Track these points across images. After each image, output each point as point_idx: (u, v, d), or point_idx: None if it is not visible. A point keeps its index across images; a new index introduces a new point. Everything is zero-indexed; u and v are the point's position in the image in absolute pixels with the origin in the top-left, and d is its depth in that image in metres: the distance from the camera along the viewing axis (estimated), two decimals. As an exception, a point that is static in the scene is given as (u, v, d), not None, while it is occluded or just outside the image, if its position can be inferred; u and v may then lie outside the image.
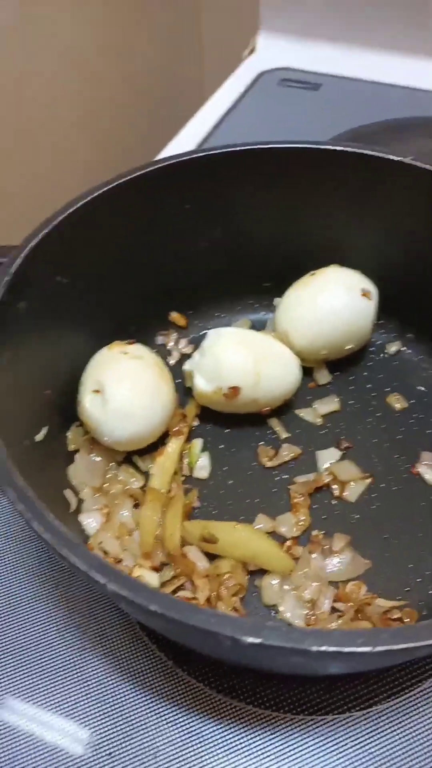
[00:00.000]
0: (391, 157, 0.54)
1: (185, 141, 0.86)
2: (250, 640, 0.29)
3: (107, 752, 0.42)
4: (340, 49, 0.96)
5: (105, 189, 0.49)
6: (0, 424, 0.38)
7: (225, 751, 0.42)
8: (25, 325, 0.45)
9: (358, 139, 0.86)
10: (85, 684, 0.45)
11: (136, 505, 0.51)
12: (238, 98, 0.92)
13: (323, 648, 0.28)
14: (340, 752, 0.42)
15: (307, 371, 0.59)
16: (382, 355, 0.61)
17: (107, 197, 0.49)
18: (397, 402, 0.58)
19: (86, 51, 0.91)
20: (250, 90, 0.93)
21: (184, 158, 0.52)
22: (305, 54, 0.97)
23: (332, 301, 0.55)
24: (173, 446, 0.53)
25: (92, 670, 0.45)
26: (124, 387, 0.50)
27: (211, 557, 0.48)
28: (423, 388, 0.59)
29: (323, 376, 0.59)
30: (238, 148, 0.54)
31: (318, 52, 0.97)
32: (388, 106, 0.89)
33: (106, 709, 0.44)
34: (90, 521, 0.49)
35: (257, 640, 0.29)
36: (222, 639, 0.29)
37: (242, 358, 0.53)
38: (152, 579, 0.47)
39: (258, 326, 0.64)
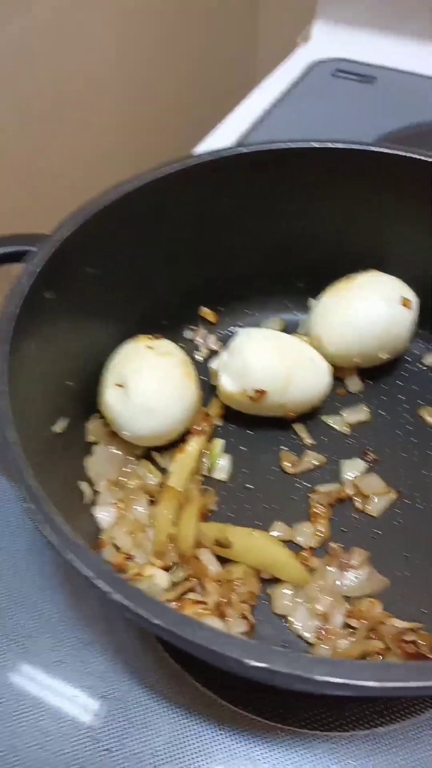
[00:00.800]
0: (436, 159, 0.51)
1: (232, 128, 0.85)
2: (255, 663, 0.28)
3: (105, 747, 0.42)
4: (398, 42, 0.92)
5: (139, 183, 0.47)
6: (20, 415, 0.37)
7: (223, 756, 0.41)
8: (52, 314, 0.44)
9: (413, 136, 0.83)
10: (91, 672, 0.45)
11: (152, 502, 0.50)
12: (289, 87, 0.90)
13: (328, 678, 0.27)
14: (340, 769, 0.41)
15: (338, 377, 0.58)
16: (418, 365, 0.59)
17: (142, 190, 0.48)
18: (430, 415, 0.56)
19: (137, 33, 0.89)
20: (302, 80, 0.91)
21: (222, 155, 0.50)
22: (362, 45, 0.94)
23: (369, 309, 0.53)
24: (194, 445, 0.53)
25: (97, 663, 0.45)
26: (147, 382, 0.49)
27: (225, 561, 0.47)
28: (457, 403, 0.56)
29: (354, 384, 0.58)
30: (280, 146, 0.52)
31: (375, 43, 0.93)
32: (446, 102, 0.86)
33: (108, 699, 0.43)
34: (104, 515, 0.49)
35: (262, 665, 0.28)
36: (227, 660, 0.28)
37: (271, 362, 0.51)
38: (162, 578, 0.46)
39: (290, 326, 0.62)
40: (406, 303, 0.53)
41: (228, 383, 0.52)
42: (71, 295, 0.46)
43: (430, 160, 0.52)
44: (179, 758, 0.41)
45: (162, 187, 0.50)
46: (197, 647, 0.29)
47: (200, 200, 0.53)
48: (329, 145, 0.53)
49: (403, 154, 0.52)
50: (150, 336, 0.53)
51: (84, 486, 0.49)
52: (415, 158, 0.52)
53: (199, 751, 0.42)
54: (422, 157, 0.52)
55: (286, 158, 0.53)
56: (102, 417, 0.52)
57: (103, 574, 0.30)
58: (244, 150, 0.51)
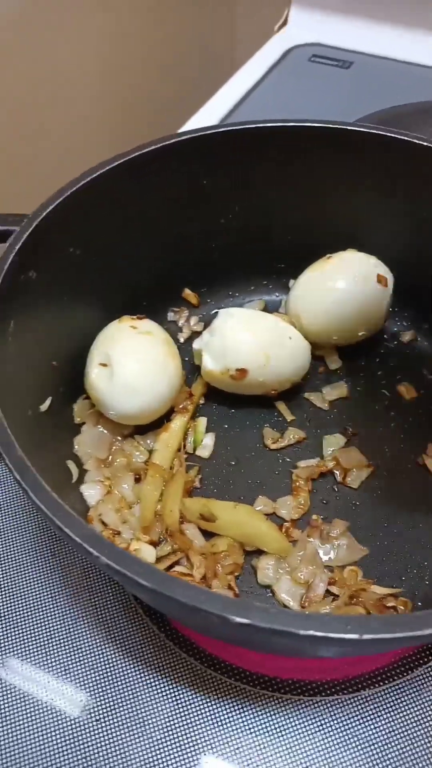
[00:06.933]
0: (415, 140, 0.53)
1: (211, 114, 0.85)
2: (238, 620, 0.29)
3: (96, 718, 0.43)
4: (375, 27, 0.93)
5: (121, 161, 0.48)
6: (1, 392, 0.38)
7: (212, 725, 0.43)
8: (34, 294, 0.45)
9: (389, 120, 0.84)
10: (80, 650, 0.45)
11: (138, 480, 0.51)
12: (266, 72, 0.90)
13: (310, 632, 0.29)
14: (325, 733, 0.42)
15: (318, 356, 0.59)
16: (395, 343, 0.61)
17: (123, 170, 0.48)
18: (407, 391, 0.57)
19: (117, 19, 0.89)
20: (278, 65, 0.91)
21: (202, 133, 0.51)
22: (338, 30, 0.94)
23: (346, 287, 0.54)
24: (178, 423, 0.53)
25: (86, 638, 0.46)
26: (131, 361, 0.50)
27: (209, 535, 0.48)
28: (434, 379, 0.58)
29: (334, 362, 0.59)
30: (259, 125, 0.53)
31: (351, 28, 0.94)
32: (421, 87, 0.87)
33: (97, 676, 0.44)
34: (91, 492, 0.50)
35: (245, 621, 0.29)
36: (211, 617, 0.29)
37: (251, 341, 0.52)
38: (149, 553, 0.47)
39: (271, 307, 0.63)
40: (381, 280, 0.54)
41: (210, 362, 0.53)
42: (54, 275, 0.47)
43: (405, 138, 0.53)
44: (169, 728, 0.42)
45: (139, 167, 0.50)
46: (180, 605, 0.30)
47: (178, 181, 0.54)
48: (307, 124, 0.54)
49: (379, 132, 0.53)
50: (133, 317, 0.53)
51: (71, 465, 0.50)
52: (391, 137, 0.53)
53: (188, 720, 0.43)
54: (398, 136, 0.53)
55: (264, 137, 0.54)
56: (88, 398, 0.53)
57: (89, 538, 0.30)
58: (223, 129, 0.52)
